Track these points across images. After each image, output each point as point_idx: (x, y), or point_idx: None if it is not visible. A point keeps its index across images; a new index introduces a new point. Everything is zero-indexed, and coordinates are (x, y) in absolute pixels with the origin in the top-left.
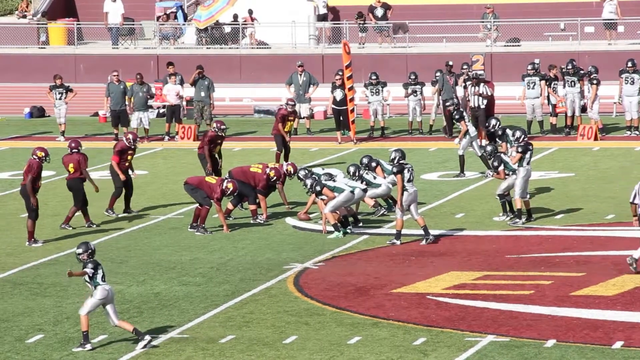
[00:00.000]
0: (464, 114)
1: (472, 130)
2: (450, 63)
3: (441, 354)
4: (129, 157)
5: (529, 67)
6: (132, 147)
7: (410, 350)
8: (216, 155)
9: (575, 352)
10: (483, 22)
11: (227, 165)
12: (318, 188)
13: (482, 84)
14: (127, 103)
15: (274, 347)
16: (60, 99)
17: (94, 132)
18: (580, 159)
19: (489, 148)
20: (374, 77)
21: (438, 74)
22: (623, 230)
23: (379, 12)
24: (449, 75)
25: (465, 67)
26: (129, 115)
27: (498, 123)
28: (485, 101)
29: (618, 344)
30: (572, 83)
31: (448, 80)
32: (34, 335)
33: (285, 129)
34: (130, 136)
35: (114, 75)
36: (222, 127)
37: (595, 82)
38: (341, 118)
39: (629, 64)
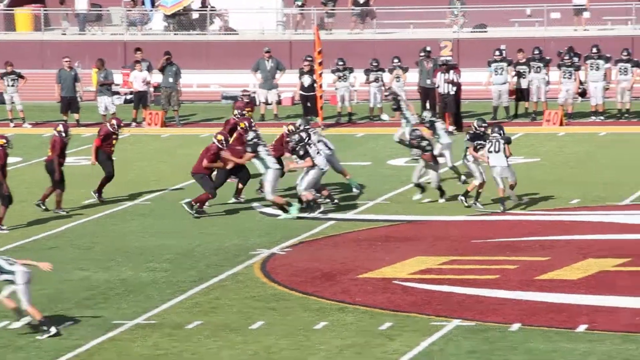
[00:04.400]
0: (401, 104)
1: (413, 119)
2: (428, 49)
3: (407, 338)
4: (114, 142)
5: (496, 53)
6: (117, 132)
7: (376, 335)
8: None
9: (539, 336)
10: (450, 8)
11: (191, 152)
12: (301, 152)
13: (451, 71)
14: (78, 90)
15: (240, 332)
16: (12, 85)
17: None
18: (545, 144)
19: (416, 132)
20: (340, 63)
21: (396, 61)
22: (587, 215)
23: None
24: (426, 60)
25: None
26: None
27: (483, 123)
28: (454, 88)
29: (582, 327)
30: (538, 69)
31: (426, 65)
32: None
33: (241, 125)
34: (114, 121)
35: (66, 62)
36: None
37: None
38: (309, 104)
39: (594, 50)
